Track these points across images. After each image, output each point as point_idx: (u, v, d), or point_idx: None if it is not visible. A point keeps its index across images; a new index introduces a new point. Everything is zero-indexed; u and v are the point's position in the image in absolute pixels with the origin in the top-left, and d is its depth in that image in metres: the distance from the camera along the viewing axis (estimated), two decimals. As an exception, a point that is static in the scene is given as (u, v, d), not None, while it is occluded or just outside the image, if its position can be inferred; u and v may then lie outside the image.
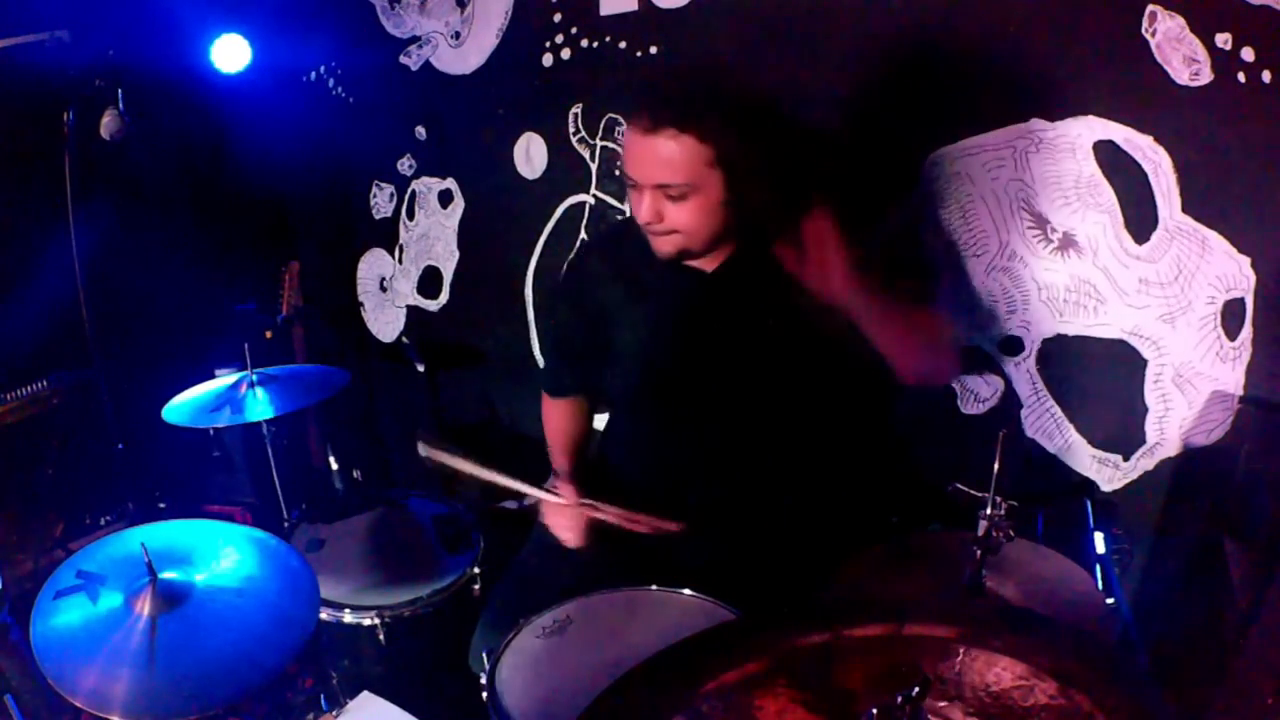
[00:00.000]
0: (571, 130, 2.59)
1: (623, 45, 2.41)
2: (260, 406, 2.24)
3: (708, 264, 1.84)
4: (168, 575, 1.49)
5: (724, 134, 1.59)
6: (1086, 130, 1.83)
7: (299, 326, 3.16)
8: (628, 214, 2.55)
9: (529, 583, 1.95)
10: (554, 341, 2.12)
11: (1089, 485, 2.01)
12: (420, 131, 2.96)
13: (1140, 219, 1.82)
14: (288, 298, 3.12)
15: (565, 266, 2.17)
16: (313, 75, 3.15)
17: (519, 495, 3.05)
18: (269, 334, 3.10)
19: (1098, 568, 1.87)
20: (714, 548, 1.86)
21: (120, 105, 2.41)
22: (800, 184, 1.83)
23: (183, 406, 2.27)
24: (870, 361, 1.81)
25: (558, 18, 2.51)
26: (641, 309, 1.88)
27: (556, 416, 2.14)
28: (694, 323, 1.85)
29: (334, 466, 3.36)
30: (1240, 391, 1.80)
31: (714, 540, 1.87)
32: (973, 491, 1.38)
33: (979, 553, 1.37)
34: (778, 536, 1.91)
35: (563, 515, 1.92)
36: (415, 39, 2.85)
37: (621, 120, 2.49)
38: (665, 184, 1.61)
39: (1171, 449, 1.91)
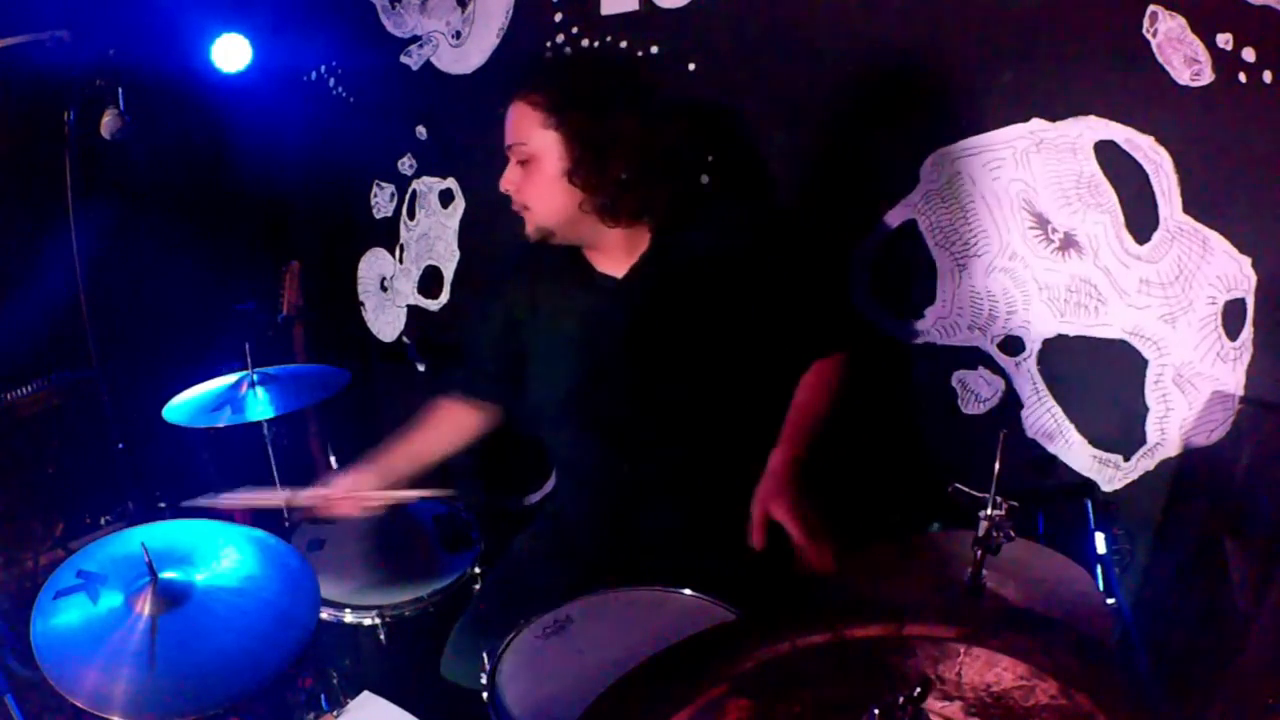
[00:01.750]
0: (572, 130, 2.59)
1: (623, 45, 2.41)
2: (260, 406, 2.24)
3: (617, 269, 1.82)
4: (168, 575, 1.49)
5: (563, 101, 1.64)
6: (1087, 130, 1.83)
7: (299, 326, 3.16)
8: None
9: (511, 587, 1.94)
10: (481, 341, 2.04)
11: (1089, 485, 2.01)
12: (421, 131, 2.96)
13: (1141, 219, 1.82)
14: (288, 297, 3.12)
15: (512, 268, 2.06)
16: (313, 75, 3.15)
17: (517, 494, 3.05)
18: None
19: (1098, 568, 1.87)
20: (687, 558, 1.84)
21: (120, 105, 2.41)
22: (692, 176, 1.83)
23: (183, 406, 2.27)
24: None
25: (558, 17, 2.51)
26: (554, 315, 1.87)
27: (451, 417, 2.03)
28: (602, 331, 1.81)
29: (334, 466, 3.36)
30: (1241, 392, 1.80)
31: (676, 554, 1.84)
32: (973, 491, 1.38)
33: (979, 553, 1.36)
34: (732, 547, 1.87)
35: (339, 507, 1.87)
36: (416, 38, 2.85)
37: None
38: (510, 144, 1.68)
39: (1172, 449, 1.91)
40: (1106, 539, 1.92)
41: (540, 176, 1.68)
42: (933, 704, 0.92)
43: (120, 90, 2.43)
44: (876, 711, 0.87)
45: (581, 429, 1.91)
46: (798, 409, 1.78)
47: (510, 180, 1.71)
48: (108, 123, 2.40)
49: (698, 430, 1.84)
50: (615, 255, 1.80)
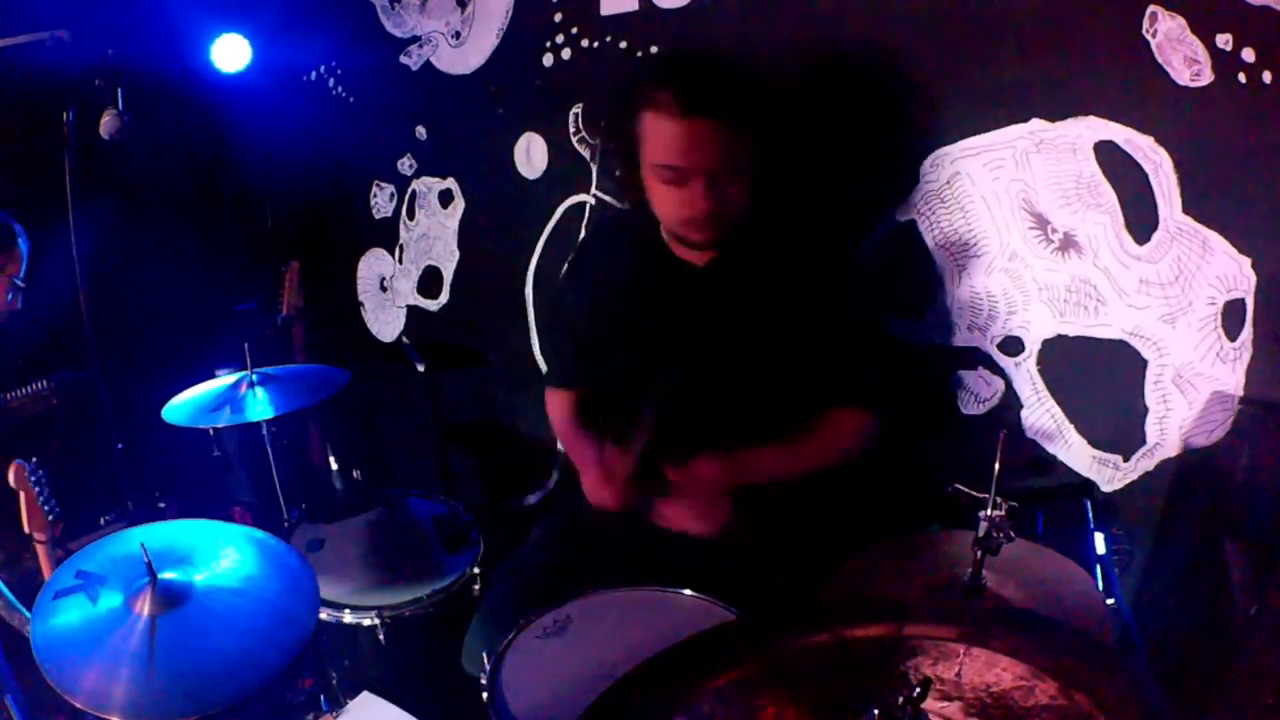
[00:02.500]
0: (572, 130, 2.59)
1: (623, 45, 2.41)
2: (260, 406, 2.24)
3: (699, 258, 1.86)
4: (168, 575, 1.49)
5: (749, 117, 1.64)
6: (1087, 130, 1.83)
7: (299, 326, 3.16)
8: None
9: (529, 582, 1.95)
10: (555, 334, 2.16)
11: (1089, 485, 2.01)
12: (421, 131, 2.96)
13: (1141, 219, 1.82)
14: (288, 298, 3.12)
15: (566, 263, 2.25)
16: (313, 75, 3.15)
17: (517, 494, 3.05)
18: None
19: (1098, 568, 1.87)
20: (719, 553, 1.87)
21: (120, 105, 2.41)
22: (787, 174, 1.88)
23: (183, 406, 2.27)
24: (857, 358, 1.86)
25: (558, 17, 2.51)
26: (630, 295, 1.91)
27: (557, 407, 2.16)
28: (677, 314, 1.87)
29: (334, 466, 3.36)
30: (1240, 392, 1.80)
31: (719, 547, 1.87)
32: (973, 492, 1.38)
33: (979, 553, 1.36)
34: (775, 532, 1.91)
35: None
36: (416, 39, 2.85)
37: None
38: (719, 169, 1.63)
39: (1171, 449, 1.91)
40: (1106, 539, 1.92)
41: (744, 190, 1.69)
42: (933, 704, 0.92)
43: (119, 91, 2.42)
44: (876, 711, 0.87)
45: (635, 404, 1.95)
46: (783, 456, 1.85)
47: (709, 198, 1.66)
48: (106, 123, 2.40)
49: (736, 426, 1.88)
50: (697, 249, 1.83)
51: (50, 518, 1.99)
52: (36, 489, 1.99)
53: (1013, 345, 2.05)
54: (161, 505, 3.02)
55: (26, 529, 1.99)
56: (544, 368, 2.88)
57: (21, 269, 2.45)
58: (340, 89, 3.12)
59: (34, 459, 2.01)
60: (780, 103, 1.78)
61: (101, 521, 2.96)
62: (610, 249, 2.01)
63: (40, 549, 2.00)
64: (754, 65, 1.84)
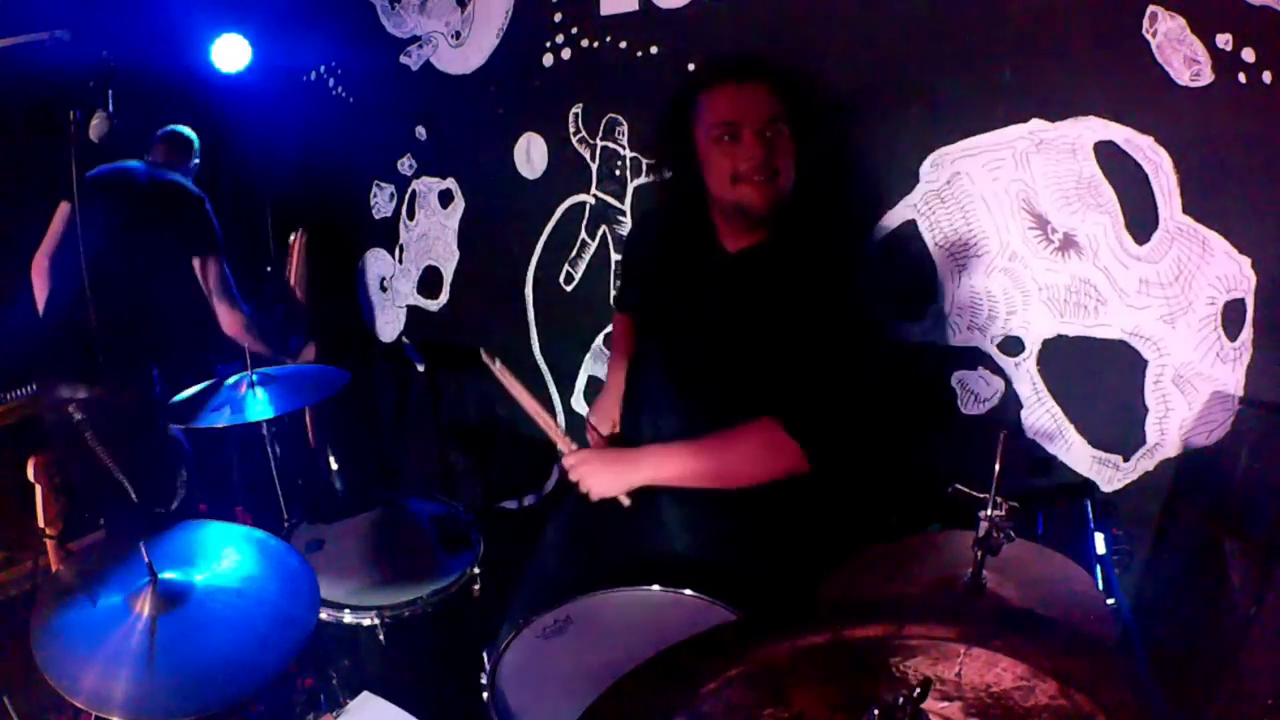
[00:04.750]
0: (572, 130, 2.59)
1: (623, 45, 2.41)
2: (260, 406, 2.23)
3: (732, 245, 1.90)
4: (168, 575, 1.49)
5: (790, 82, 1.80)
6: (1087, 130, 1.83)
7: (311, 347, 3.15)
8: (626, 215, 2.56)
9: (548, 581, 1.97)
10: (622, 266, 2.37)
11: (1089, 485, 2.01)
12: (420, 131, 2.96)
13: (1141, 219, 1.82)
14: (295, 267, 3.11)
15: (635, 222, 2.54)
16: (313, 75, 3.15)
17: (517, 494, 3.05)
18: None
19: (1098, 568, 1.87)
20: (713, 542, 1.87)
21: (109, 107, 2.41)
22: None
23: (183, 407, 2.27)
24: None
25: (558, 18, 2.51)
26: (672, 274, 1.97)
27: (619, 327, 2.27)
28: (706, 297, 1.90)
29: (334, 466, 3.36)
30: (1240, 392, 1.80)
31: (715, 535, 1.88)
32: (973, 492, 1.38)
33: (979, 553, 1.36)
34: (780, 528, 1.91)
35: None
36: (415, 39, 2.85)
37: (622, 120, 2.49)
38: (772, 118, 1.76)
39: (1171, 449, 1.91)
40: (1106, 539, 1.91)
41: (786, 149, 1.79)
42: (933, 704, 0.92)
43: (110, 92, 2.42)
44: (876, 711, 0.87)
45: (661, 380, 2.00)
46: (715, 443, 1.81)
47: (758, 152, 1.78)
48: (96, 125, 2.39)
49: (741, 416, 1.86)
50: (739, 234, 1.89)
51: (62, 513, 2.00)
52: (52, 484, 2.00)
53: (1013, 345, 2.05)
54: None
55: (41, 523, 2.00)
56: (545, 366, 2.90)
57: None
58: (340, 89, 3.12)
59: (50, 455, 2.02)
60: (810, 91, 1.89)
61: (101, 521, 2.96)
62: (659, 223, 2.11)
63: (50, 544, 2.02)
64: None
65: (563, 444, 1.85)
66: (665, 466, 1.80)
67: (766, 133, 1.76)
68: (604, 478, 1.79)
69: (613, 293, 2.68)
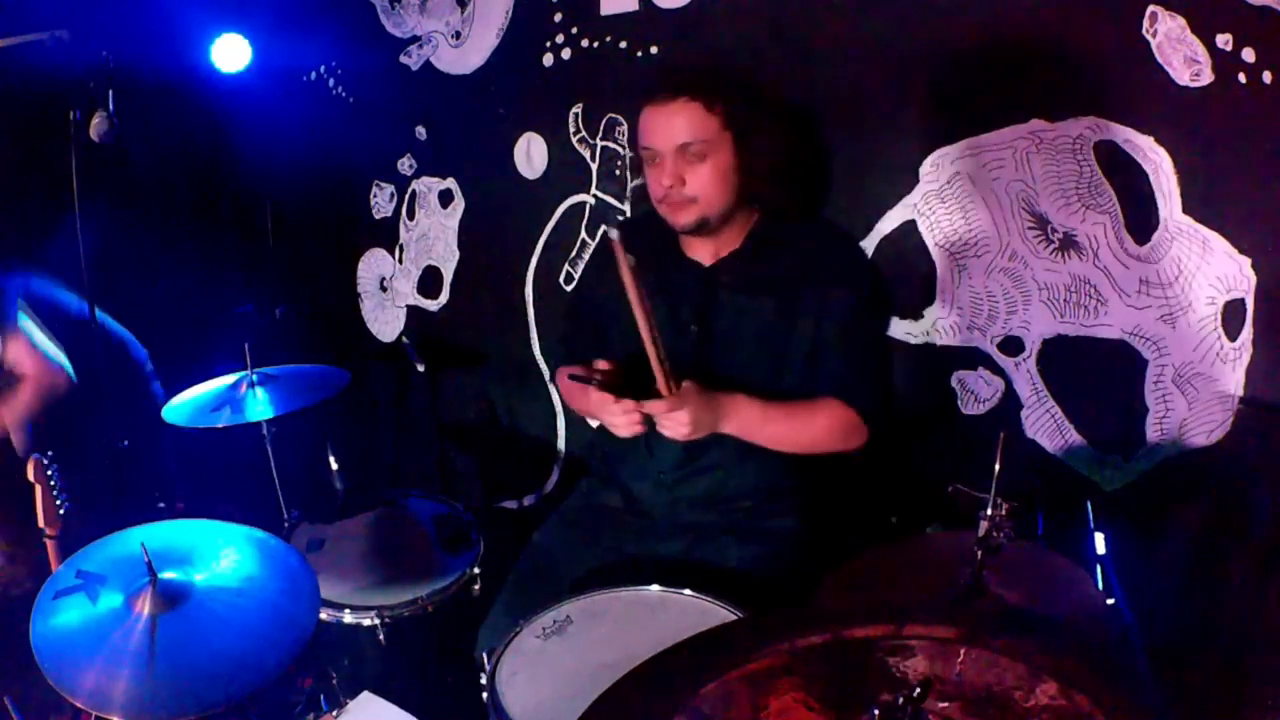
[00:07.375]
0: (572, 130, 2.59)
1: (623, 45, 2.41)
2: (260, 406, 2.24)
3: (704, 258, 1.93)
4: (168, 575, 1.49)
5: (730, 101, 1.78)
6: (1087, 130, 1.83)
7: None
8: (627, 213, 2.56)
9: (540, 570, 1.99)
10: (574, 310, 2.28)
11: (1089, 485, 2.01)
12: (420, 131, 2.96)
13: (1141, 219, 1.82)
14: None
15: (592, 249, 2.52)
16: (313, 75, 3.15)
17: (517, 494, 3.04)
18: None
19: (1098, 568, 1.87)
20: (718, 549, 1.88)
21: (110, 107, 2.41)
22: (801, 168, 1.92)
23: (183, 406, 2.27)
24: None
25: (558, 18, 2.51)
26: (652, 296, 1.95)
27: (562, 376, 2.19)
28: (681, 308, 1.93)
29: (334, 466, 3.35)
30: (1240, 392, 1.80)
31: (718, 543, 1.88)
32: (973, 492, 1.38)
33: (979, 553, 1.36)
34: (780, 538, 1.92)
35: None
36: (415, 39, 2.85)
37: (622, 120, 2.49)
38: (685, 143, 1.76)
39: (1171, 449, 1.91)
40: (1106, 539, 1.91)
41: (716, 170, 1.79)
42: (933, 704, 0.92)
43: (110, 92, 2.42)
44: (876, 712, 0.87)
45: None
46: (798, 412, 1.87)
47: (676, 177, 1.79)
48: (96, 125, 2.39)
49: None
50: (707, 246, 1.93)
51: (61, 513, 2.00)
52: (52, 483, 2.00)
53: (1013, 345, 2.05)
54: (161, 505, 3.02)
55: (40, 523, 2.00)
56: (545, 366, 2.89)
57: None
58: (340, 89, 3.12)
59: (49, 453, 2.01)
60: (756, 91, 1.90)
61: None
62: (634, 244, 2.06)
63: (50, 544, 2.01)
64: (743, 70, 1.99)
65: (661, 375, 1.76)
66: (752, 423, 1.82)
67: (687, 153, 1.77)
68: (703, 420, 1.75)
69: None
